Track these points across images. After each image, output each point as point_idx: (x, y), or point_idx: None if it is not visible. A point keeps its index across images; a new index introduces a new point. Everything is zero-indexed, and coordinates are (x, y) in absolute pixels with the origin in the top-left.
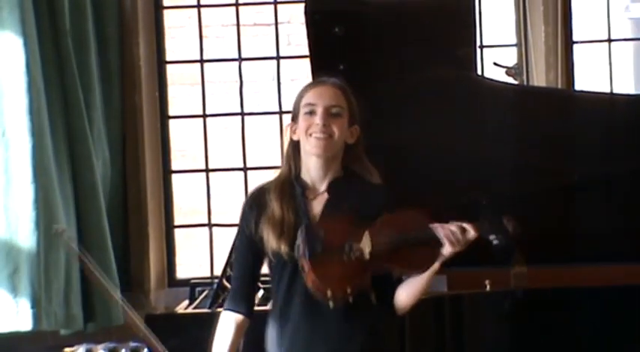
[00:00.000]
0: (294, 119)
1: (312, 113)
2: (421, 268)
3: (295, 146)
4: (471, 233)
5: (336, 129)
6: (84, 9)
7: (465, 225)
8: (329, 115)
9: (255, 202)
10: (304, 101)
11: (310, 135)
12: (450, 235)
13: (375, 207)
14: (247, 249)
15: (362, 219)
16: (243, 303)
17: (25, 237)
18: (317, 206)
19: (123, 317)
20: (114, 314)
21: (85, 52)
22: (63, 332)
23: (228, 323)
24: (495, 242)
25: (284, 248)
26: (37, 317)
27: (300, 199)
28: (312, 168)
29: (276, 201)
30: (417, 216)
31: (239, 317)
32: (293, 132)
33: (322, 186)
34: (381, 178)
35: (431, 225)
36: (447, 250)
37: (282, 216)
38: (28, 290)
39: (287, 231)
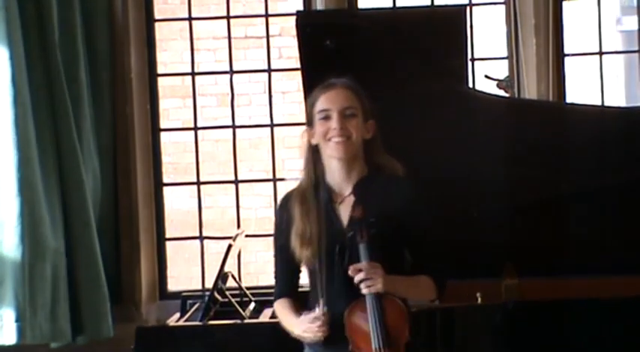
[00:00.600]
0: (310, 124)
1: (327, 118)
2: None
3: (315, 151)
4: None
5: (353, 130)
6: (73, 22)
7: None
8: (344, 117)
9: (284, 212)
10: (318, 107)
11: (329, 139)
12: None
13: (400, 202)
14: (283, 257)
15: (389, 216)
16: (290, 291)
17: (10, 251)
18: (345, 210)
19: (113, 329)
20: (104, 326)
21: (75, 64)
22: (53, 345)
23: (283, 304)
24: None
25: (308, 256)
26: (21, 331)
27: (327, 205)
28: (335, 172)
29: (298, 210)
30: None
31: (288, 299)
32: (311, 136)
33: (348, 189)
34: (403, 168)
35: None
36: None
37: (304, 225)
38: (13, 303)
39: (311, 240)
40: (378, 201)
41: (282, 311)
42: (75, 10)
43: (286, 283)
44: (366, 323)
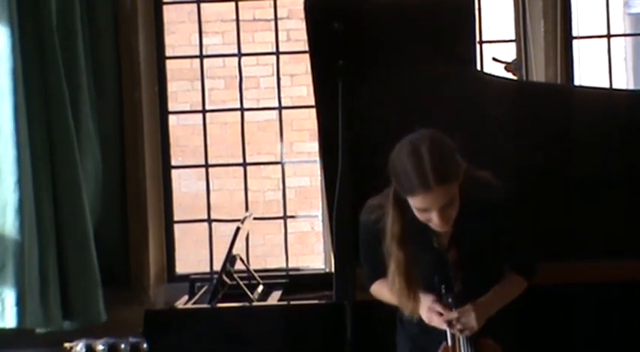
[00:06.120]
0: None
1: (426, 211)
2: None
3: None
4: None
5: (453, 212)
6: (72, 3)
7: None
8: (444, 210)
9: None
10: (415, 204)
11: (429, 222)
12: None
13: (495, 222)
14: (376, 257)
15: (487, 240)
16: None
17: (11, 235)
18: (444, 238)
19: (106, 314)
20: (95, 312)
21: (73, 49)
22: (42, 330)
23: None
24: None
25: (401, 259)
26: (20, 315)
27: (428, 233)
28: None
29: (392, 211)
30: None
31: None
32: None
33: None
34: (495, 180)
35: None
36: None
37: (401, 226)
38: (14, 287)
39: (406, 242)
40: (475, 228)
41: (380, 289)
42: None
43: (380, 268)
44: None
